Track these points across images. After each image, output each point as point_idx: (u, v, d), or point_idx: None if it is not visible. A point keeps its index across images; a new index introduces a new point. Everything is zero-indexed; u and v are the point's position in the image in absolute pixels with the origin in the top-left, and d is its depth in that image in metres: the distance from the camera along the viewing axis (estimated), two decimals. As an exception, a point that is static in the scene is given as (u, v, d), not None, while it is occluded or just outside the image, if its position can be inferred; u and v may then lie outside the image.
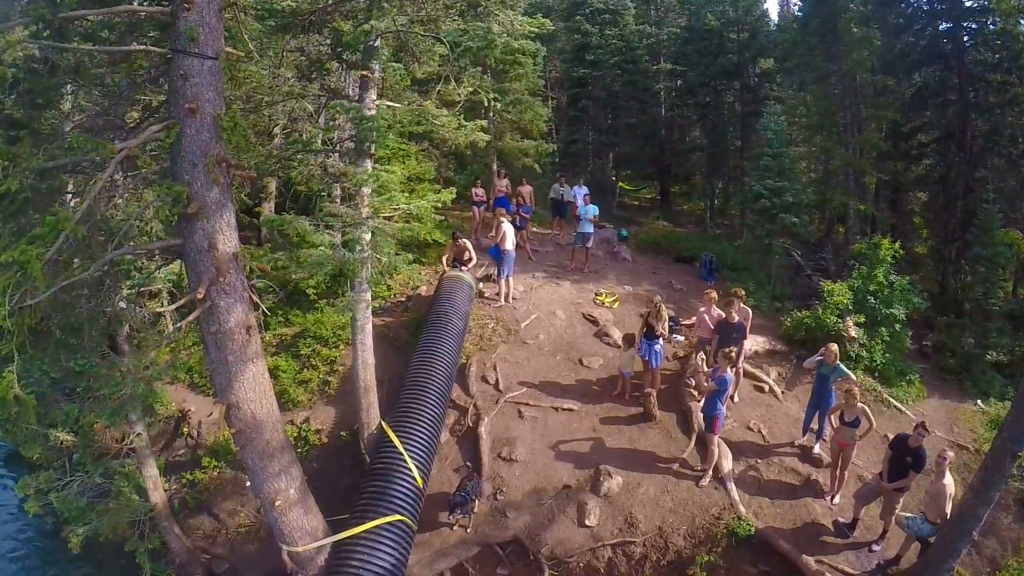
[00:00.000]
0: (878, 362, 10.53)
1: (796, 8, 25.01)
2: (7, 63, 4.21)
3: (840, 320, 10.30)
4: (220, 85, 4.25)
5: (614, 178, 21.58)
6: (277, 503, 5.23)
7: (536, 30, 7.47)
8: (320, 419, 8.88)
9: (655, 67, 21.18)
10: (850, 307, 10.48)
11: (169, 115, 4.18)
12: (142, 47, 4.20)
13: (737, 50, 18.99)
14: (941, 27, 15.63)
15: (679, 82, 21.37)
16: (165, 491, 8.65)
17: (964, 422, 10.38)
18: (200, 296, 4.15)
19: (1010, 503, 8.61)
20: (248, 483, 8.96)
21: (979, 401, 10.84)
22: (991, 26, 15.32)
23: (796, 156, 17.84)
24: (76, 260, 4.21)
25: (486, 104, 8.38)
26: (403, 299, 11.03)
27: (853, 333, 10.08)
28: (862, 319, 10.32)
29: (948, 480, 6.55)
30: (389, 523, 5.77)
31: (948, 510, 6.49)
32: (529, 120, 16.00)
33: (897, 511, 7.09)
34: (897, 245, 11.21)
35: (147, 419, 9.28)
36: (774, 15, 26.62)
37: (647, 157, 21.60)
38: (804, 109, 17.15)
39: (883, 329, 10.61)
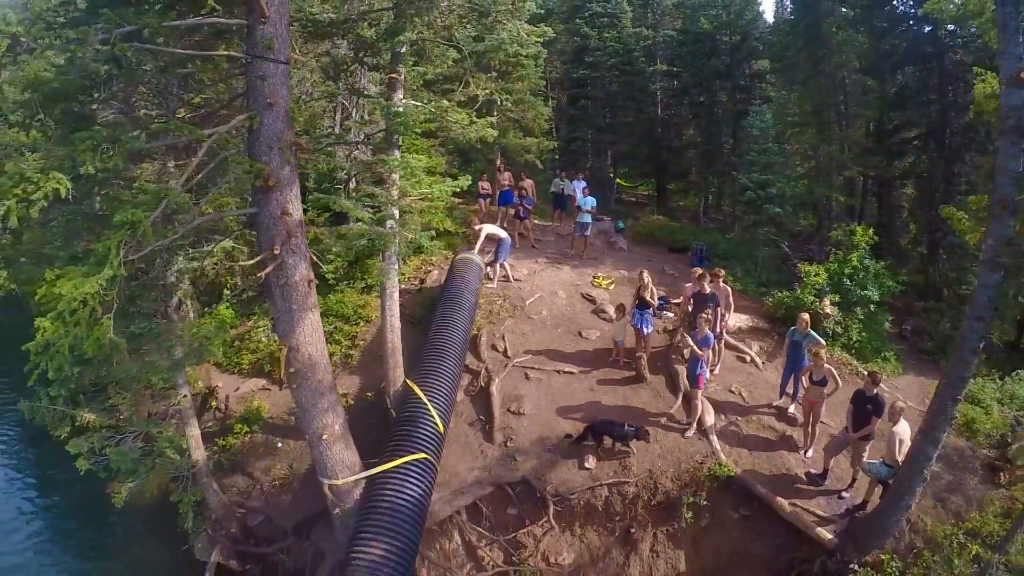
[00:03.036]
0: (855, 339, 11.65)
1: (788, 11, 26.41)
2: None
3: (817, 299, 11.46)
4: (289, 84, 5.37)
5: (612, 175, 22.77)
6: (324, 436, 6.33)
7: (539, 39, 8.62)
8: (345, 386, 9.98)
9: (651, 68, 22.35)
10: (827, 288, 11.63)
11: (248, 108, 5.30)
12: (225, 52, 5.31)
13: (729, 52, 20.21)
14: (924, 30, 16.85)
15: (674, 82, 22.58)
16: (201, 453, 9.73)
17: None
18: (276, 252, 5.26)
19: (978, 468, 9.71)
20: (279, 444, 10.13)
21: (952, 379, 11.94)
22: (972, 29, 16.58)
23: (790, 152, 19.09)
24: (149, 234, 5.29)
25: (499, 103, 9.51)
26: (417, 283, 12.14)
27: (829, 310, 11.23)
28: (837, 298, 11.47)
29: (901, 427, 7.65)
30: (416, 460, 6.87)
31: (900, 454, 7.59)
32: (531, 118, 17.20)
33: (865, 459, 8.19)
34: (871, 232, 12.36)
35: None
36: (770, 16, 27.90)
37: (644, 154, 22.81)
38: (793, 107, 18.39)
39: (858, 309, 11.75)
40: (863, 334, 11.81)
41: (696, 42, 20.53)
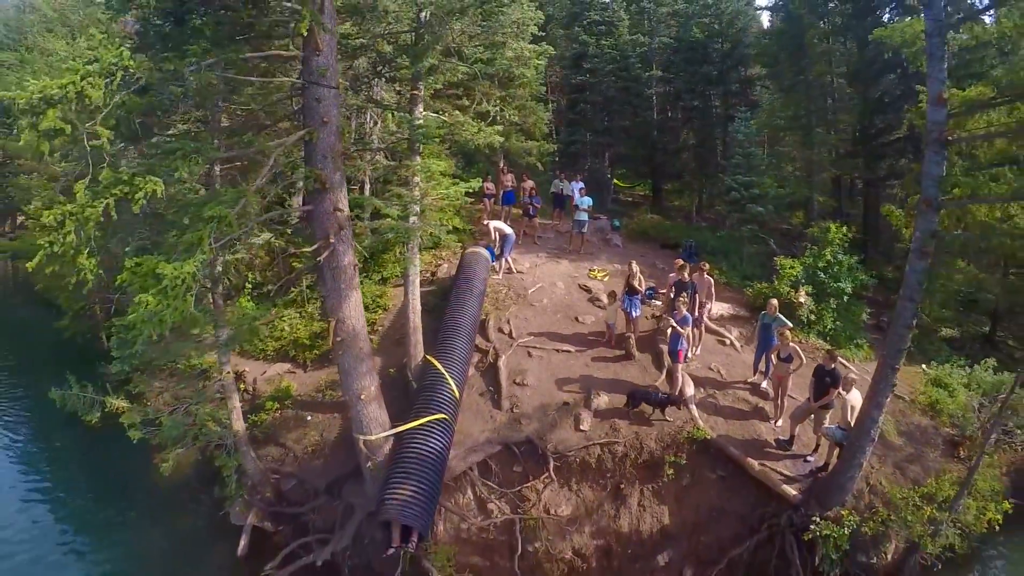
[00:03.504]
0: (829, 327, 13.05)
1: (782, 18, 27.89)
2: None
3: (793, 290, 12.85)
4: (338, 104, 6.74)
5: (610, 176, 24.18)
6: (362, 396, 7.70)
7: (539, 60, 10.01)
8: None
9: (647, 74, 23.75)
10: (802, 280, 13.01)
11: (306, 125, 6.68)
12: (288, 79, 6.68)
13: (720, 59, 21.65)
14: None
15: (669, 88, 24.00)
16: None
17: (905, 380, 12.80)
18: (330, 241, 6.64)
19: (939, 443, 11.09)
20: (309, 417, 11.48)
21: (923, 366, 13.24)
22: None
23: (783, 154, 20.49)
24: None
25: (506, 116, 10.94)
26: (429, 275, 13.51)
27: (803, 300, 12.62)
28: (811, 289, 12.86)
29: (852, 396, 9.05)
30: (437, 419, 8.23)
31: (851, 418, 8.97)
32: (532, 123, 18.58)
33: (825, 425, 9.56)
34: (845, 230, 13.74)
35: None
36: (767, 20, 29.36)
37: (640, 156, 24.22)
38: (781, 111, 19.81)
39: (832, 300, 13.14)
40: (837, 323, 13.19)
41: (689, 50, 21.98)
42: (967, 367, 12.66)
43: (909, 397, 12.17)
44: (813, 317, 12.93)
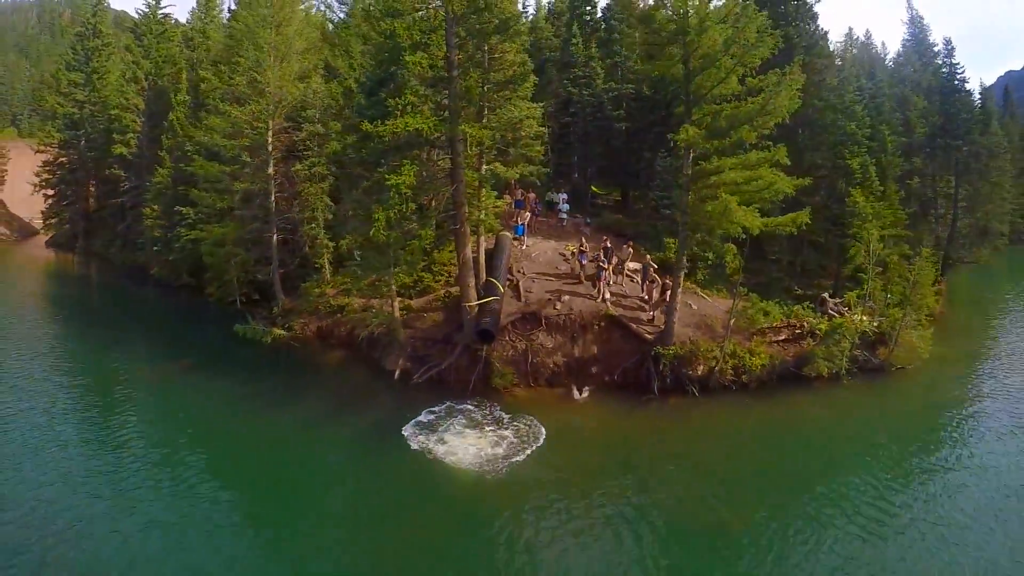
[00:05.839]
0: (699, 278, 28.89)
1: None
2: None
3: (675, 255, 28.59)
4: (464, 170, 22.45)
5: (590, 187, 40.04)
6: (469, 285, 23.39)
7: (541, 135, 25.79)
8: (447, 291, 27.11)
9: (616, 112, 39.48)
10: (681, 250, 28.74)
11: (453, 181, 22.40)
12: (447, 166, 22.43)
13: (664, 107, 37.47)
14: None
15: (632, 124, 39.79)
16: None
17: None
18: (464, 224, 22.27)
19: (752, 337, 26.81)
20: (425, 315, 27.26)
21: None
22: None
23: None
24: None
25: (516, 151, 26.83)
26: (477, 247, 29.29)
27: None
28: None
29: (667, 293, 24.84)
30: (496, 299, 23.93)
31: (668, 301, 24.76)
32: (532, 153, 34.38)
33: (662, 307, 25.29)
34: (709, 223, 29.48)
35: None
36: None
37: (612, 173, 40.11)
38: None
39: (700, 264, 28.98)
40: (706, 277, 29.06)
41: (643, 99, 37.88)
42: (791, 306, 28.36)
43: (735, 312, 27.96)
44: (687, 271, 28.75)
